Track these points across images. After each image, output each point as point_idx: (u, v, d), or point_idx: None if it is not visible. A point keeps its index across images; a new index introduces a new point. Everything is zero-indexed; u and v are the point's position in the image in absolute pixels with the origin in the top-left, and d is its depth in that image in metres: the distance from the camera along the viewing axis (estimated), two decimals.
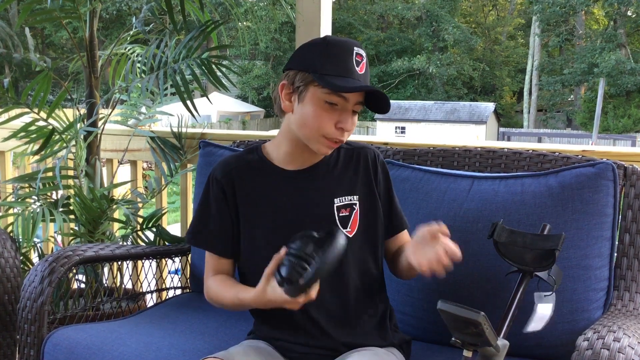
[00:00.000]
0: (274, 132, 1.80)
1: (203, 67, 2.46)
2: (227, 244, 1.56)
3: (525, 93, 34.36)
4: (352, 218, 1.53)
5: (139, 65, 2.65)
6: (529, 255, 1.42)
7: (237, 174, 1.55)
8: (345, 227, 1.52)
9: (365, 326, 1.54)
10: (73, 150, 2.54)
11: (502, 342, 1.27)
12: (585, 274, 1.62)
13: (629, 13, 32.91)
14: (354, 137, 1.81)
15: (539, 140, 26.10)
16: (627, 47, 32.08)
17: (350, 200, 1.54)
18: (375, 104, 1.47)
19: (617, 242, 1.69)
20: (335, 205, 1.52)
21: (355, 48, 1.44)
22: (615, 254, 1.69)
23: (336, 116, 1.43)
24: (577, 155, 1.78)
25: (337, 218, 1.52)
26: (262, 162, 1.56)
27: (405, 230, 1.64)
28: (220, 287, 1.54)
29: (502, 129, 29.07)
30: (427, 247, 1.35)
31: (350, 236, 1.52)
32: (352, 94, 1.42)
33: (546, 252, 1.40)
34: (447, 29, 34.16)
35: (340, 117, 1.43)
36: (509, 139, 25.87)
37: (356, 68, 1.43)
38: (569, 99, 34.61)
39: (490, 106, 28.15)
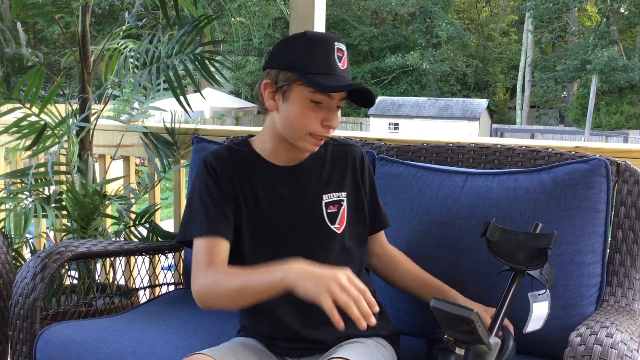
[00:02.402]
0: None
1: (196, 63, 2.45)
2: (229, 225, 1.46)
3: (518, 89, 34.44)
4: (340, 214, 1.54)
5: (131, 60, 2.64)
6: (522, 253, 1.42)
7: (231, 165, 1.51)
8: (333, 224, 1.53)
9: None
10: (65, 145, 2.53)
11: (494, 340, 1.27)
12: (578, 270, 1.62)
13: (622, 10, 33.01)
14: (346, 134, 1.81)
15: (532, 137, 26.19)
16: (619, 44, 32.21)
17: (339, 196, 1.55)
18: (360, 98, 1.46)
19: (609, 239, 1.70)
20: (323, 201, 1.53)
21: (335, 43, 1.43)
22: (608, 250, 1.70)
23: (322, 114, 1.43)
24: (570, 152, 1.78)
25: (325, 214, 1.53)
26: (253, 156, 1.54)
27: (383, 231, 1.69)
28: (226, 273, 1.39)
29: (495, 125, 29.14)
30: None
31: (339, 232, 1.53)
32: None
33: (538, 251, 1.40)
34: (440, 25, 34.20)
35: (327, 114, 1.43)
36: (502, 135, 25.92)
37: (338, 64, 1.42)
38: (562, 96, 34.72)
39: (483, 102, 28.22)
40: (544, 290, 1.43)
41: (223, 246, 1.45)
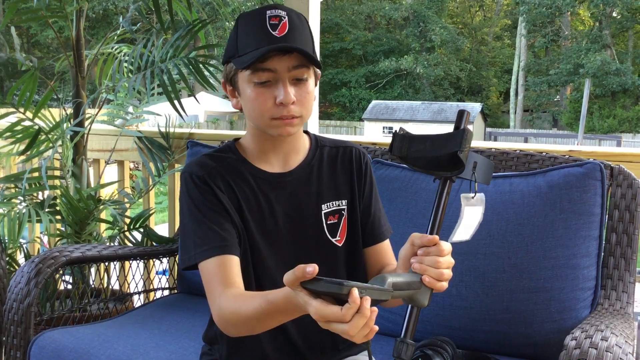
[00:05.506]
0: None
1: (190, 67, 2.45)
2: (232, 238, 1.30)
3: (512, 93, 34.57)
4: (341, 225, 1.40)
5: (125, 64, 2.63)
6: (441, 160, 1.17)
7: (219, 174, 1.34)
8: (334, 236, 1.39)
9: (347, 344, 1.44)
10: (59, 150, 2.52)
11: (393, 279, 1.03)
12: (573, 273, 1.62)
13: (614, 14, 33.19)
14: (340, 138, 1.78)
15: (526, 141, 26.22)
16: (612, 48, 32.37)
17: (339, 205, 1.40)
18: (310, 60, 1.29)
19: (604, 242, 1.70)
20: (323, 212, 1.38)
21: (268, 12, 1.26)
22: (602, 254, 1.70)
23: (273, 92, 1.26)
24: (564, 156, 1.78)
25: (325, 226, 1.38)
26: (242, 162, 1.37)
27: (387, 240, 1.46)
28: (240, 299, 1.20)
29: (488, 129, 29.23)
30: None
31: (340, 245, 1.39)
32: (279, 61, 1.25)
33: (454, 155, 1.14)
34: (434, 30, 34.31)
35: (276, 91, 1.26)
36: (495, 139, 25.98)
37: (273, 33, 1.25)
38: (555, 100, 34.87)
39: (476, 106, 28.27)
40: (475, 193, 1.23)
41: (233, 262, 1.27)
